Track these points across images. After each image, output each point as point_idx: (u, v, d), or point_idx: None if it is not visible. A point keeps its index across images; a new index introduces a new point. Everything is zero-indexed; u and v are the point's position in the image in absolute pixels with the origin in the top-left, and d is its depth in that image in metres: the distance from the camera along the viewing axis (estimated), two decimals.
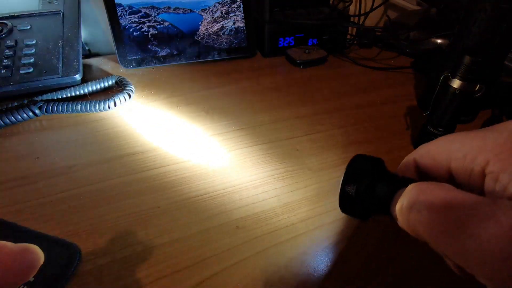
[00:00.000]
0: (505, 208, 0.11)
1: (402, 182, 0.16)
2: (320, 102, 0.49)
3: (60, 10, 0.51)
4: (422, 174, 0.18)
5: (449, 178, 0.16)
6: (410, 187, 0.14)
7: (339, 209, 0.19)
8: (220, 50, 0.58)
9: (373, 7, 0.62)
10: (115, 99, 0.45)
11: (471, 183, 0.15)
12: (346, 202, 0.17)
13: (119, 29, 0.53)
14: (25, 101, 0.44)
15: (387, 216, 0.18)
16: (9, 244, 0.12)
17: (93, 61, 0.58)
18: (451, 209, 0.12)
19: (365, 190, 0.17)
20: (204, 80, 0.54)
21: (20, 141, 0.40)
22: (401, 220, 0.14)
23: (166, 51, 0.55)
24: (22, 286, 0.20)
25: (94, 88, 0.48)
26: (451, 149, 0.16)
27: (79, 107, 0.44)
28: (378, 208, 0.17)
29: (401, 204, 0.14)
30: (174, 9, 0.55)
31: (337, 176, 0.36)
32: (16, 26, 0.48)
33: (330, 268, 0.28)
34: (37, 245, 0.13)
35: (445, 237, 0.12)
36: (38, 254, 0.13)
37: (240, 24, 0.58)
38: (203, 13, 0.56)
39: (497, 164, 0.14)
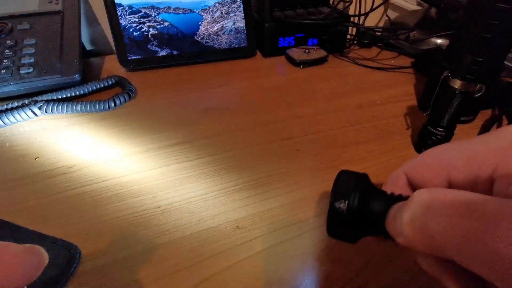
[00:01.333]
0: None
1: (394, 199, 0.16)
2: (320, 102, 0.49)
3: (60, 10, 0.51)
4: (416, 189, 0.17)
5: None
6: (421, 192, 0.13)
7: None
8: (220, 50, 0.58)
9: (373, 7, 0.62)
10: (115, 99, 0.45)
11: (476, 191, 0.14)
12: (335, 221, 0.16)
13: (119, 29, 0.53)
14: (25, 101, 0.44)
15: (379, 236, 0.17)
16: (14, 245, 0.12)
17: (93, 61, 0.58)
18: (475, 211, 0.11)
19: (357, 205, 0.16)
20: (204, 80, 0.54)
21: (20, 141, 0.40)
22: (409, 234, 0.13)
23: (166, 51, 0.55)
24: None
25: (94, 88, 0.48)
26: (449, 158, 0.15)
27: (79, 107, 0.44)
28: (371, 224, 0.16)
29: (409, 215, 0.13)
30: (174, 9, 0.55)
31: None
32: (16, 26, 0.48)
33: (330, 268, 0.28)
34: (37, 245, 0.13)
35: (471, 244, 0.11)
36: (43, 254, 0.13)
37: (240, 24, 0.58)
38: (203, 13, 0.56)
39: (507, 167, 0.13)
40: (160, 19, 0.54)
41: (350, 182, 0.17)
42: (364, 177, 0.17)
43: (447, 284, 0.14)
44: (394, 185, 0.17)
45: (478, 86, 0.34)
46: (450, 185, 0.16)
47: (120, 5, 0.52)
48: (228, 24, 0.57)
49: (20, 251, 0.12)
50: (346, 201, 0.16)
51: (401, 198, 0.15)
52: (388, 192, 0.17)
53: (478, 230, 0.11)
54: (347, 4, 0.60)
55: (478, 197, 0.11)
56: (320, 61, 0.59)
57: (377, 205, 0.16)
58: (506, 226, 0.10)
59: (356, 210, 0.16)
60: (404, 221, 0.13)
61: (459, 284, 0.14)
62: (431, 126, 0.38)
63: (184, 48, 0.56)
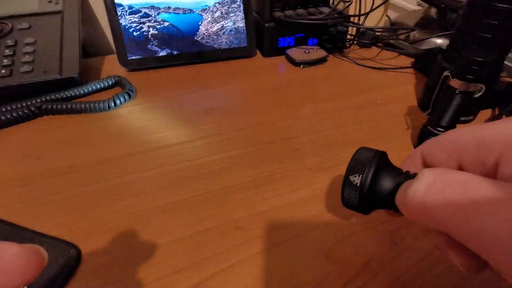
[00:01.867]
0: None
1: (407, 176, 0.16)
2: (320, 102, 0.49)
3: (60, 10, 0.51)
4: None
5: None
6: (425, 171, 0.14)
7: (341, 204, 0.18)
8: (220, 50, 0.58)
9: (373, 7, 0.62)
10: (115, 99, 0.45)
11: (483, 175, 0.15)
12: (349, 193, 0.17)
13: (119, 29, 0.53)
14: (25, 101, 0.44)
15: (389, 210, 0.18)
16: (13, 244, 0.12)
17: (93, 61, 0.58)
18: (469, 191, 0.12)
19: (371, 180, 0.16)
20: (204, 80, 0.54)
21: (20, 141, 0.40)
22: (412, 209, 0.14)
23: (166, 51, 0.55)
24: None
25: (94, 88, 0.48)
26: (462, 142, 0.16)
27: (79, 107, 0.44)
28: (382, 199, 0.16)
29: (412, 192, 0.14)
30: (174, 9, 0.55)
31: (337, 176, 0.36)
32: (16, 26, 0.48)
33: (330, 268, 0.28)
34: (37, 245, 0.13)
35: (462, 220, 0.12)
36: (43, 254, 0.13)
37: (240, 24, 0.58)
38: (203, 13, 0.56)
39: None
40: (160, 19, 0.54)
41: (367, 157, 0.17)
42: (382, 154, 0.18)
43: (454, 261, 0.15)
44: (411, 163, 0.18)
45: (478, 86, 0.34)
46: (460, 167, 0.16)
47: (120, 5, 0.52)
48: (228, 24, 0.57)
49: (20, 251, 0.12)
50: (360, 175, 0.17)
51: (414, 176, 0.16)
52: (405, 170, 0.17)
53: (468, 208, 0.12)
54: (347, 4, 0.60)
55: (476, 179, 0.12)
56: (320, 61, 0.59)
57: (389, 181, 0.16)
58: (494, 206, 0.11)
59: (369, 185, 0.16)
60: (408, 197, 0.14)
61: (464, 262, 0.15)
62: (431, 126, 0.38)
63: (184, 48, 0.56)
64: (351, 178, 0.17)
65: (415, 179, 0.14)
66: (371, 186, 0.16)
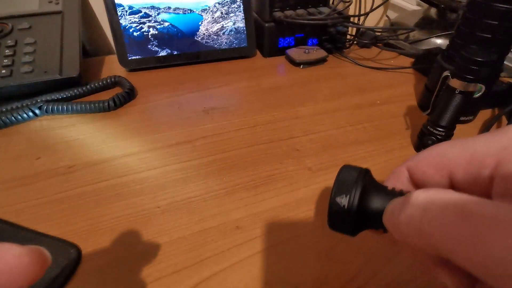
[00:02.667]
0: None
1: (394, 194, 0.16)
2: (320, 102, 0.49)
3: (60, 10, 0.51)
4: (417, 185, 0.17)
5: (446, 186, 0.16)
6: (417, 193, 0.13)
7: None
8: (220, 50, 0.58)
9: (373, 7, 0.62)
10: (115, 99, 0.45)
11: (476, 189, 0.15)
12: (337, 215, 0.16)
13: (119, 29, 0.53)
14: (25, 101, 0.44)
15: (377, 230, 0.17)
16: (16, 246, 0.12)
17: (93, 61, 0.58)
18: (470, 215, 0.11)
19: (358, 200, 0.16)
20: (204, 80, 0.54)
21: (20, 141, 0.40)
22: (405, 233, 0.13)
23: (166, 51, 0.55)
24: None
25: (94, 88, 0.48)
26: (451, 156, 0.15)
27: (79, 107, 0.44)
28: (370, 220, 0.16)
29: (406, 216, 0.13)
30: (174, 10, 0.55)
31: None
32: (16, 26, 0.48)
33: (330, 268, 0.28)
34: (37, 245, 0.13)
35: (466, 247, 0.11)
36: (46, 255, 0.13)
37: (240, 24, 0.58)
38: (203, 13, 0.56)
39: (509, 165, 0.13)
40: (160, 19, 0.54)
41: (352, 177, 0.17)
42: (366, 173, 0.17)
43: (442, 279, 0.14)
44: (396, 180, 0.18)
45: (478, 86, 0.34)
46: (451, 183, 0.16)
47: (120, 5, 0.52)
48: (228, 24, 0.57)
49: (23, 253, 0.12)
50: (348, 196, 0.16)
51: (402, 194, 0.16)
52: (390, 187, 0.17)
53: (472, 234, 0.11)
54: (347, 4, 0.60)
55: (474, 201, 0.11)
56: (320, 61, 0.59)
57: (377, 201, 0.16)
58: (500, 231, 0.10)
59: (356, 206, 0.16)
60: (401, 221, 0.13)
61: (455, 280, 0.14)
62: (431, 126, 0.38)
63: (184, 48, 0.56)
64: (338, 200, 0.16)
65: (405, 201, 0.13)
66: (359, 207, 0.16)
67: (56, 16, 0.50)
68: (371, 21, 0.69)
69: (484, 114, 0.47)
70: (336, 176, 0.17)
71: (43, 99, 0.45)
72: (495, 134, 0.15)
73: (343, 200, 0.16)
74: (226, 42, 0.58)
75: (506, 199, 0.13)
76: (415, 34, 0.64)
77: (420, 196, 0.13)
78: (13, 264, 0.12)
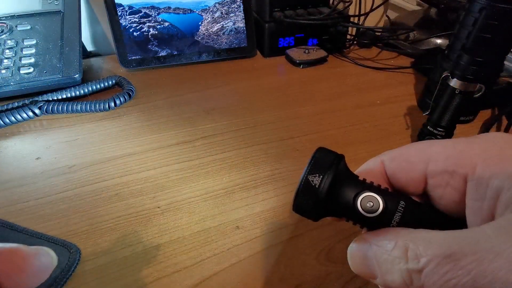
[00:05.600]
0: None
1: (364, 185, 0.16)
2: (320, 102, 0.49)
3: (60, 10, 0.51)
4: (391, 178, 0.17)
5: (421, 182, 0.16)
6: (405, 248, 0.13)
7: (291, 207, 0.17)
8: (220, 50, 0.58)
9: (373, 7, 0.62)
10: (115, 99, 0.45)
11: (449, 187, 0.15)
12: (306, 194, 0.16)
13: (119, 29, 0.53)
14: (26, 101, 0.44)
15: (340, 219, 0.17)
16: (23, 247, 0.12)
17: (93, 61, 0.58)
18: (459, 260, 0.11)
19: (330, 183, 0.16)
20: (204, 80, 0.54)
21: (21, 141, 0.40)
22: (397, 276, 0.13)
23: (166, 51, 0.55)
24: None
25: (94, 88, 0.48)
26: (431, 152, 0.16)
27: (79, 107, 0.44)
28: (337, 206, 0.16)
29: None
30: (174, 10, 0.55)
31: None
32: (17, 26, 0.48)
33: (330, 268, 0.28)
34: (37, 245, 0.13)
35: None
36: (52, 256, 0.13)
37: (240, 24, 0.58)
38: (203, 13, 0.56)
39: (487, 169, 0.13)
40: (160, 19, 0.54)
41: (328, 159, 0.16)
42: (341, 158, 0.17)
43: None
44: (369, 172, 0.17)
45: (477, 86, 0.34)
46: (426, 178, 0.16)
47: (120, 5, 0.52)
48: (228, 24, 0.57)
49: (29, 253, 0.12)
50: (321, 176, 0.16)
51: (372, 186, 0.16)
52: (361, 177, 0.17)
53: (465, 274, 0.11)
54: (347, 4, 0.60)
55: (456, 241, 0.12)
56: (320, 61, 0.59)
57: (348, 189, 0.16)
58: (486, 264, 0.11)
59: (328, 188, 0.16)
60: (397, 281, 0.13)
61: None
62: (431, 126, 0.38)
63: (184, 48, 0.56)
64: (311, 178, 0.16)
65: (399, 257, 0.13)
66: (329, 189, 0.16)
67: (56, 16, 0.50)
68: (371, 21, 0.69)
69: (484, 114, 0.47)
70: (312, 156, 0.17)
71: (44, 99, 0.45)
72: (478, 138, 0.15)
73: (316, 180, 0.16)
74: (226, 42, 0.58)
75: (478, 202, 0.14)
76: (415, 34, 0.64)
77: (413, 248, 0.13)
78: (21, 265, 0.12)
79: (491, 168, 0.13)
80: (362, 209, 0.15)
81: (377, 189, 0.16)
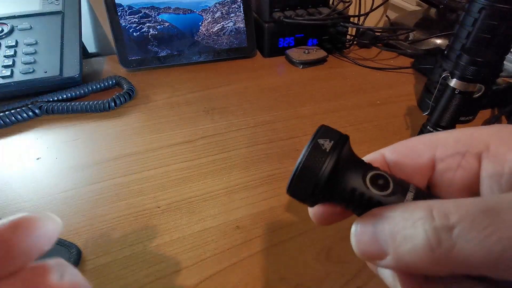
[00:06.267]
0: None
1: (374, 167, 0.15)
2: (320, 102, 0.49)
3: (60, 11, 0.51)
4: (393, 168, 0.16)
5: (428, 169, 0.15)
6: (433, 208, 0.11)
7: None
8: (220, 50, 0.58)
9: (373, 7, 0.62)
10: (115, 99, 0.45)
11: (460, 169, 0.14)
12: (314, 158, 0.14)
13: (119, 29, 0.53)
14: (26, 101, 0.44)
15: (336, 206, 0.16)
16: (27, 214, 0.12)
17: (93, 61, 0.58)
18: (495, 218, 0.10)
19: (341, 147, 0.14)
20: (204, 80, 0.54)
21: (21, 141, 0.40)
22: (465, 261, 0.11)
23: (166, 52, 0.56)
24: None
25: (94, 88, 0.48)
26: (438, 138, 0.15)
27: (79, 107, 0.44)
28: (345, 184, 0.14)
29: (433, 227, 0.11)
30: (174, 10, 0.55)
31: None
32: (17, 26, 0.48)
33: (330, 268, 0.28)
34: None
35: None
36: (56, 220, 0.12)
37: (240, 25, 0.58)
38: (203, 14, 0.56)
39: (502, 146, 0.13)
40: (160, 20, 0.54)
41: (335, 132, 0.15)
42: (347, 138, 0.15)
43: None
44: (371, 157, 0.16)
45: (477, 86, 0.34)
46: (433, 164, 0.15)
47: (120, 5, 0.52)
48: (228, 25, 0.57)
49: (35, 217, 0.12)
50: (331, 142, 0.14)
51: (379, 168, 0.14)
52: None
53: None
54: (347, 4, 0.60)
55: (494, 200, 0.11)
56: (320, 61, 0.59)
57: (355, 168, 0.14)
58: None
59: (338, 155, 0.14)
60: (407, 255, 0.11)
61: None
62: (430, 126, 0.38)
63: (184, 49, 0.56)
64: (321, 141, 0.14)
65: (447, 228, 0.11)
66: (336, 165, 0.14)
67: (57, 16, 0.50)
68: (371, 21, 0.70)
69: (484, 114, 0.47)
70: (318, 129, 0.15)
71: (44, 99, 0.45)
72: (481, 126, 0.15)
73: (327, 144, 0.14)
74: (226, 42, 0.58)
75: (495, 178, 0.13)
76: (414, 34, 0.64)
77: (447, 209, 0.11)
78: (31, 228, 0.12)
79: (506, 144, 0.13)
80: (373, 187, 0.14)
81: (385, 171, 0.14)
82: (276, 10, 0.58)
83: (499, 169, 0.13)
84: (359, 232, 0.13)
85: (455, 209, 0.11)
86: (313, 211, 0.16)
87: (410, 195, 0.13)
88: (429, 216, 0.11)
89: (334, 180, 0.14)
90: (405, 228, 0.11)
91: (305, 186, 0.14)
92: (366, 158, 0.16)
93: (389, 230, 0.12)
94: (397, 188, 0.14)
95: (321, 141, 0.14)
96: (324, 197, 0.15)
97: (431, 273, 0.11)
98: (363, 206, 0.14)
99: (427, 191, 0.15)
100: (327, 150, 0.14)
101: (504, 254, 0.10)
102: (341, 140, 0.14)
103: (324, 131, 0.15)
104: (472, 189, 0.14)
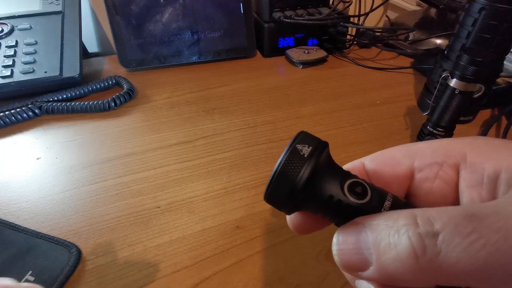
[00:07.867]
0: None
1: (352, 174, 0.14)
2: (320, 102, 0.49)
3: (60, 10, 0.51)
4: (372, 177, 0.16)
5: (406, 178, 0.15)
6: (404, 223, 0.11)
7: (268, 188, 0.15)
8: (220, 50, 0.58)
9: (373, 7, 0.62)
10: (115, 99, 0.45)
11: (438, 180, 0.14)
12: (291, 164, 0.14)
13: (119, 29, 0.53)
14: (26, 101, 0.44)
15: (313, 214, 0.15)
16: (10, 281, 0.12)
17: (93, 61, 0.58)
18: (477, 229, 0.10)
19: (320, 153, 0.14)
20: (204, 80, 0.54)
21: (21, 141, 0.40)
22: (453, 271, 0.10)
23: (166, 52, 0.55)
24: None
25: (94, 88, 0.48)
26: (416, 148, 0.15)
27: (79, 107, 0.44)
28: (321, 192, 0.14)
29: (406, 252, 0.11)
30: None
31: None
32: (17, 26, 0.48)
33: (330, 267, 0.28)
34: (37, 245, 0.13)
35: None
36: None
37: (240, 25, 0.58)
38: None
39: (478, 156, 0.13)
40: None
41: (314, 139, 0.15)
42: (326, 145, 0.15)
43: None
44: (351, 166, 0.16)
45: (477, 86, 0.34)
46: (412, 173, 0.15)
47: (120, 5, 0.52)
48: (228, 25, 0.57)
49: None
50: (310, 148, 0.14)
51: (357, 176, 0.14)
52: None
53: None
54: (347, 4, 0.60)
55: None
56: (320, 61, 0.59)
57: (333, 175, 0.14)
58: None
59: (316, 162, 0.14)
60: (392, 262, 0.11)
61: None
62: (430, 126, 0.38)
63: (184, 48, 0.56)
64: (299, 147, 0.14)
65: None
66: (312, 173, 0.13)
67: (57, 16, 0.50)
68: (371, 21, 0.69)
69: (484, 114, 0.47)
70: (297, 134, 0.15)
71: (43, 99, 0.45)
72: (457, 138, 0.15)
73: (305, 149, 0.14)
74: (226, 42, 0.58)
75: (475, 188, 0.13)
76: (414, 34, 0.64)
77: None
78: None
79: (482, 154, 0.13)
80: (351, 194, 0.13)
81: (363, 180, 0.14)
82: (276, 10, 0.58)
83: (478, 179, 0.13)
84: (341, 241, 0.13)
85: (439, 216, 0.11)
86: (290, 219, 0.16)
87: (387, 203, 0.13)
88: (413, 222, 0.11)
89: (312, 187, 0.14)
90: (388, 235, 0.11)
91: (282, 192, 0.14)
92: (346, 166, 0.16)
93: (373, 239, 0.12)
94: (374, 196, 0.13)
95: (299, 146, 0.14)
96: (301, 204, 0.14)
97: (414, 285, 0.11)
98: (340, 214, 0.14)
99: (405, 201, 0.15)
100: (305, 156, 0.14)
101: (489, 260, 0.09)
102: (320, 146, 0.14)
103: (303, 137, 0.15)
104: (450, 200, 0.15)
